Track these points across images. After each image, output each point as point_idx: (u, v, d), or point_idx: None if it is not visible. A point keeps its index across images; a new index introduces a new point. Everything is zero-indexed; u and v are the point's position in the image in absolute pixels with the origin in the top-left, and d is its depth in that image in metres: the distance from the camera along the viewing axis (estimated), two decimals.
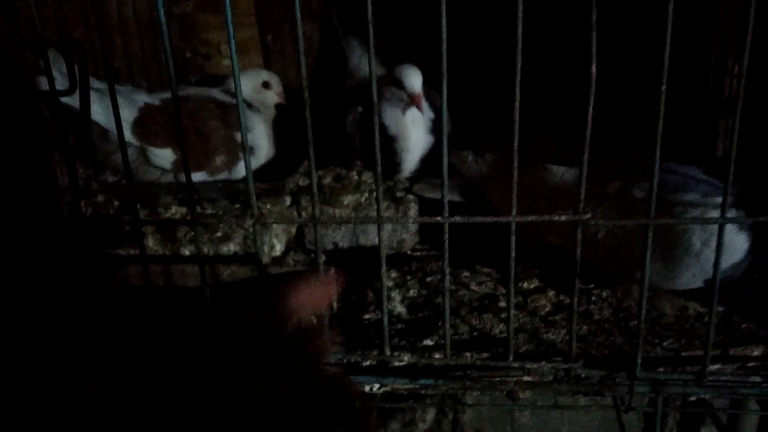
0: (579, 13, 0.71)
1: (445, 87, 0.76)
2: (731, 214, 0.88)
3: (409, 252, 1.36)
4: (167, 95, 1.42)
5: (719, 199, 0.82)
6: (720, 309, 1.01)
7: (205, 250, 1.19)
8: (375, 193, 1.37)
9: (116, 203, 1.35)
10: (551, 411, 1.33)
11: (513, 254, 0.79)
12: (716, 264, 0.77)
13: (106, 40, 1.43)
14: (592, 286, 1.10)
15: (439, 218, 0.79)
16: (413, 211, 1.34)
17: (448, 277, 0.82)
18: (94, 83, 1.28)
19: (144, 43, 1.60)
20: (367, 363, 0.90)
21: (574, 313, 0.81)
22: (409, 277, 1.17)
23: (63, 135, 1.05)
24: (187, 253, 1.21)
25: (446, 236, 0.80)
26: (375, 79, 0.78)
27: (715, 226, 0.80)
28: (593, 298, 1.06)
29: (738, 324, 0.97)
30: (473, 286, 1.12)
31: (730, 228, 0.87)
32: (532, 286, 1.12)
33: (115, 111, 0.85)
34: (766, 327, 0.96)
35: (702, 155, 1.60)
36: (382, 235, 0.83)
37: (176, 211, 1.24)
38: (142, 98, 1.36)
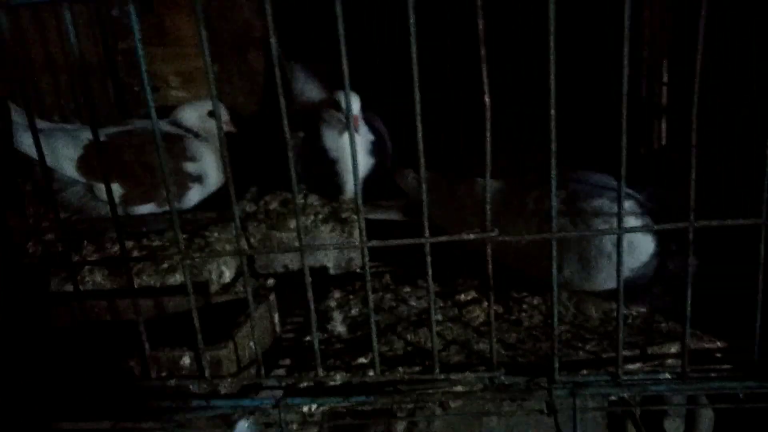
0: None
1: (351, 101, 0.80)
2: (637, 219, 0.94)
3: (358, 270, 1.41)
4: (113, 130, 1.46)
5: (627, 205, 0.88)
6: (642, 310, 1.07)
7: (152, 281, 1.22)
8: (320, 215, 1.42)
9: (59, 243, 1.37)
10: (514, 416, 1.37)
11: (430, 272, 0.84)
12: (618, 271, 0.82)
13: (45, 80, 1.46)
14: (525, 294, 1.15)
15: (357, 243, 0.83)
16: (357, 231, 1.39)
17: (371, 299, 0.86)
18: (40, 123, 1.31)
19: (91, 81, 1.63)
20: (304, 384, 0.94)
21: (491, 323, 0.86)
22: (351, 297, 1.21)
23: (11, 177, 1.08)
24: (135, 286, 1.23)
25: (366, 259, 0.84)
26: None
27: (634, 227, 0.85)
28: (524, 305, 1.11)
29: (658, 323, 1.03)
30: (412, 302, 1.17)
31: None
32: (469, 298, 1.17)
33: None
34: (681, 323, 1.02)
35: (639, 157, 1.67)
36: (305, 262, 0.86)
37: (126, 244, 1.27)
38: (87, 135, 1.39)
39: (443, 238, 0.82)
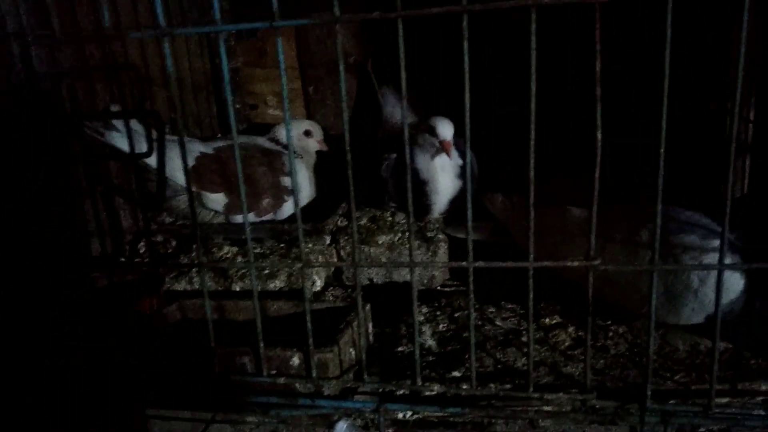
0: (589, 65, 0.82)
1: (468, 133, 0.87)
2: (729, 257, 0.97)
3: (439, 288, 1.47)
4: (220, 144, 1.58)
5: (716, 242, 0.91)
6: (729, 345, 1.09)
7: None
8: (407, 234, 1.49)
9: (173, 243, 1.50)
10: None
11: (531, 295, 0.89)
12: (717, 305, 0.85)
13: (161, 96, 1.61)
14: (609, 322, 1.18)
15: (464, 263, 0.90)
16: (442, 250, 1.45)
17: (473, 317, 0.92)
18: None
19: (199, 98, 1.78)
20: (401, 392, 1.00)
21: (587, 348, 0.90)
22: (438, 313, 1.27)
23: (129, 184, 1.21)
24: (237, 288, 1.34)
25: (471, 278, 0.90)
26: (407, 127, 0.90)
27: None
28: (610, 333, 1.14)
29: (747, 360, 1.04)
30: (498, 322, 1.22)
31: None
32: (553, 322, 1.21)
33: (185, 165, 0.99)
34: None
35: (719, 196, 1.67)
36: (413, 278, 0.93)
37: (228, 250, 1.38)
38: (198, 148, 1.51)
39: (547, 264, 0.88)
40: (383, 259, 1.46)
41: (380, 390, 1.01)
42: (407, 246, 1.46)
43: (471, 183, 0.94)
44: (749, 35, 0.91)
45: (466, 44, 0.79)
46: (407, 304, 1.37)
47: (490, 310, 1.27)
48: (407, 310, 1.33)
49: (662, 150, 0.83)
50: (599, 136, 0.82)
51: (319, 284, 1.42)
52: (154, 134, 1.30)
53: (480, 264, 0.90)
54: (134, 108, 1.45)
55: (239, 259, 1.36)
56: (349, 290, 1.43)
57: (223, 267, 1.34)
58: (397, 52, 0.82)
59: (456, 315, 1.26)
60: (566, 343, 1.13)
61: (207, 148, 1.54)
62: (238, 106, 1.84)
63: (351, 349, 1.08)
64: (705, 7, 1.58)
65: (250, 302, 1.23)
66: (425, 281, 1.46)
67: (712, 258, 1.00)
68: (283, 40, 1.85)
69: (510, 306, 1.29)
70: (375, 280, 1.47)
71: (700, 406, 0.91)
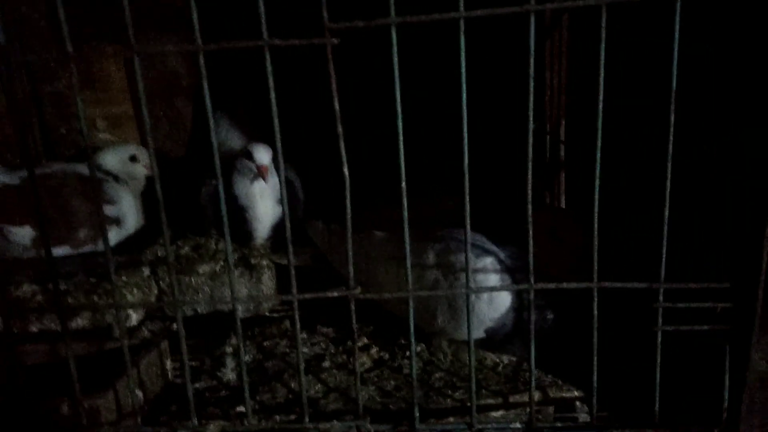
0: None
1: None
2: (495, 276, 1.03)
3: (267, 313, 1.46)
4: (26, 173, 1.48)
5: (487, 261, 0.97)
6: (512, 358, 1.15)
7: (53, 325, 1.25)
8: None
9: None
10: None
11: (297, 328, 0.90)
12: (469, 327, 0.90)
13: None
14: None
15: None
16: (266, 276, 1.44)
17: (242, 349, 0.91)
18: None
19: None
20: None
21: (357, 375, 0.92)
22: (248, 342, 1.26)
23: None
24: (35, 329, 1.26)
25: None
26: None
27: (486, 282, 0.95)
28: (408, 353, 1.18)
29: (524, 372, 1.10)
30: (306, 348, 1.22)
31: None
32: (360, 344, 1.23)
33: None
34: (548, 373, 1.10)
35: (545, 207, 1.78)
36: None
37: (27, 289, 1.30)
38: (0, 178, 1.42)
39: (309, 295, 0.89)
40: (206, 289, 1.43)
41: None
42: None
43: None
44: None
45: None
46: (224, 335, 1.35)
47: (302, 336, 1.27)
48: (222, 342, 1.31)
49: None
50: (346, 172, 0.85)
51: (135, 318, 1.36)
52: None
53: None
54: None
55: (38, 297, 1.28)
56: (168, 323, 1.39)
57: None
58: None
59: (265, 344, 1.25)
60: (366, 365, 1.15)
61: (11, 179, 1.44)
62: (63, 131, 1.74)
63: (139, 391, 1.04)
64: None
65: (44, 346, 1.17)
66: (251, 307, 1.44)
67: (482, 277, 1.06)
68: (112, 62, 1.79)
69: (324, 330, 1.30)
70: (199, 310, 1.43)
71: (465, 423, 0.95)
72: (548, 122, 1.78)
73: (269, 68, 0.79)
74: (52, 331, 1.25)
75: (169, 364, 1.15)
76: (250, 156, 1.41)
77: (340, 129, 0.83)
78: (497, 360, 1.14)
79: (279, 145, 0.87)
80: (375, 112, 1.67)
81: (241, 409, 1.02)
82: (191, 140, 1.83)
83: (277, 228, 1.48)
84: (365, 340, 1.24)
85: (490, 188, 1.60)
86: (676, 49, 0.75)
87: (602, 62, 0.77)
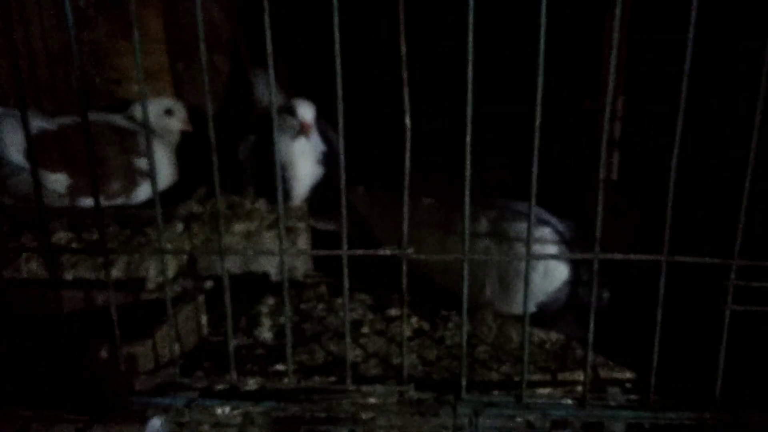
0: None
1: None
2: (552, 247, 0.98)
3: (301, 279, 1.42)
4: (66, 120, 1.45)
5: (545, 231, 0.92)
6: (560, 336, 1.10)
7: (87, 275, 1.22)
8: (265, 221, 1.43)
9: (5, 227, 1.37)
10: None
11: (346, 287, 0.86)
12: (525, 295, 0.85)
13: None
14: (453, 312, 1.18)
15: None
16: (302, 238, 1.41)
17: (287, 305, 0.87)
18: None
19: (55, 70, 1.63)
20: (220, 387, 0.95)
21: (404, 339, 0.88)
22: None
23: None
24: (70, 277, 1.24)
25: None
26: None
27: (544, 253, 0.90)
28: (450, 324, 1.13)
29: (573, 350, 1.06)
30: (342, 313, 1.18)
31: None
32: (399, 313, 1.18)
33: None
34: (599, 354, 1.05)
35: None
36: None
37: (63, 236, 1.27)
38: (37, 123, 1.38)
39: (359, 252, 0.85)
40: (241, 248, 1.39)
41: (198, 386, 0.96)
42: (264, 235, 1.40)
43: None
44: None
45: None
46: (259, 296, 1.32)
47: (339, 301, 1.23)
48: (257, 302, 1.28)
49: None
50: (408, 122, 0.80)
51: (169, 274, 1.33)
52: None
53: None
54: None
55: (73, 244, 1.26)
56: (202, 280, 1.35)
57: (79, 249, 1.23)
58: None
59: (301, 306, 1.21)
60: (406, 334, 1.11)
61: (50, 124, 1.41)
62: (98, 80, 1.70)
63: (176, 344, 1.01)
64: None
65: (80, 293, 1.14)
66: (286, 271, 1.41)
67: (539, 247, 1.00)
68: (151, 10, 1.74)
69: (361, 297, 1.26)
70: (231, 269, 1.40)
71: (515, 396, 0.91)
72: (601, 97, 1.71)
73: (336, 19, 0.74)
74: (85, 279, 1.22)
75: (204, 319, 1.12)
76: (293, 112, 1.36)
77: (405, 74, 0.78)
78: (545, 337, 1.09)
79: (341, 106, 0.81)
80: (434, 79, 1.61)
81: (278, 367, 0.99)
82: (228, 97, 1.79)
83: (316, 189, 1.44)
84: (406, 309, 1.19)
85: (545, 163, 1.55)
86: None
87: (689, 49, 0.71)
